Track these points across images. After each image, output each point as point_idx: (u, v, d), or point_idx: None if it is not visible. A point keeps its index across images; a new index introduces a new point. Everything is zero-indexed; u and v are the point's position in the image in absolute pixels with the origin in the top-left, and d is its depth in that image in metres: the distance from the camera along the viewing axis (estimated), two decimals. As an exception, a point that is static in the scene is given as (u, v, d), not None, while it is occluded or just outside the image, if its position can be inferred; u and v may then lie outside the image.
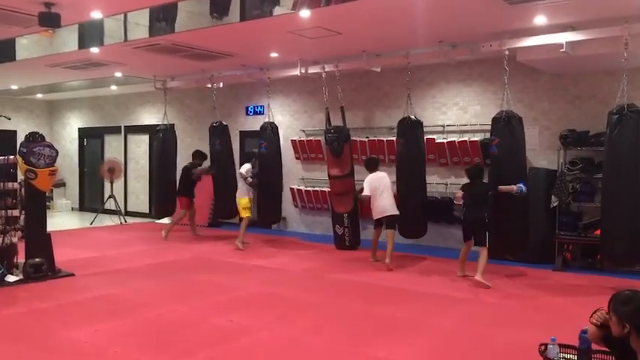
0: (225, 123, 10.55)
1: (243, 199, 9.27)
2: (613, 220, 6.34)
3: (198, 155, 10.59)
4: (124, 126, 14.30)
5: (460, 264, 7.10)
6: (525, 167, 7.45)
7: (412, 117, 8.37)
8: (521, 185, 6.67)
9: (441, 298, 6.14)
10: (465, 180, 7.22)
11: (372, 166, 8.08)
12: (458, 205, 7.22)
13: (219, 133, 10.38)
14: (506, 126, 7.06)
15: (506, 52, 7.22)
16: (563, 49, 6.73)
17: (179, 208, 10.54)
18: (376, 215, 7.88)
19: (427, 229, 8.53)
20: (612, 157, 6.36)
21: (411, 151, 8.31)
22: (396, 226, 7.97)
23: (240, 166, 9.65)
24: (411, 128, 8.36)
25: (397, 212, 7.83)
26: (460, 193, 6.99)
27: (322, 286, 6.78)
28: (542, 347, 3.39)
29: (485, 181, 7.12)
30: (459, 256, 7.15)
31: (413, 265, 7.98)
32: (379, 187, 7.81)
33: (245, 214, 9.25)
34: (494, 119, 7.23)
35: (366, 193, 7.90)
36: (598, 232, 6.91)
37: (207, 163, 10.57)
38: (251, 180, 9.26)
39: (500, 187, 6.74)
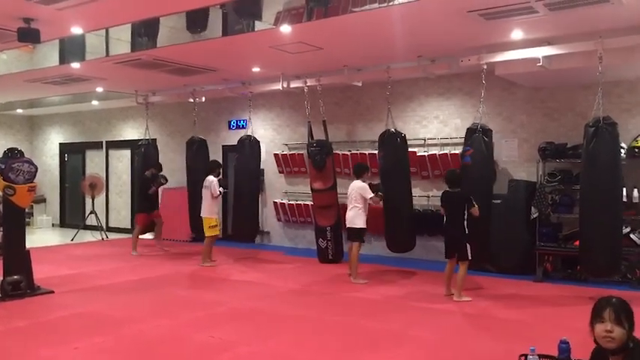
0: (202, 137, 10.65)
1: (208, 219, 8.83)
2: (591, 231, 6.42)
3: (157, 166, 10.49)
4: (106, 141, 14.21)
5: (445, 283, 6.81)
6: (491, 181, 7.49)
7: (392, 130, 8.43)
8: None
9: (423, 310, 6.16)
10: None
11: (355, 173, 7.91)
12: None
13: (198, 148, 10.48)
14: (481, 137, 7.14)
15: (485, 67, 7.33)
16: (540, 64, 6.85)
17: (137, 224, 10.24)
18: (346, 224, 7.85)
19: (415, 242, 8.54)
20: (589, 169, 6.47)
21: (393, 163, 8.33)
22: (360, 240, 7.68)
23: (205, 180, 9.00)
24: (391, 141, 8.41)
25: (357, 225, 7.60)
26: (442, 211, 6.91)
27: (305, 300, 6.76)
28: (522, 358, 3.42)
29: (461, 190, 6.80)
30: (441, 269, 7.10)
31: (395, 277, 7.98)
32: (349, 196, 7.76)
33: (212, 232, 8.84)
34: (468, 130, 7.32)
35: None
36: (577, 242, 6.99)
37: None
38: (220, 192, 8.90)
39: (473, 210, 6.55)
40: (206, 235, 8.90)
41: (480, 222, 6.72)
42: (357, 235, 7.68)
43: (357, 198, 7.63)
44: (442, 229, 7.06)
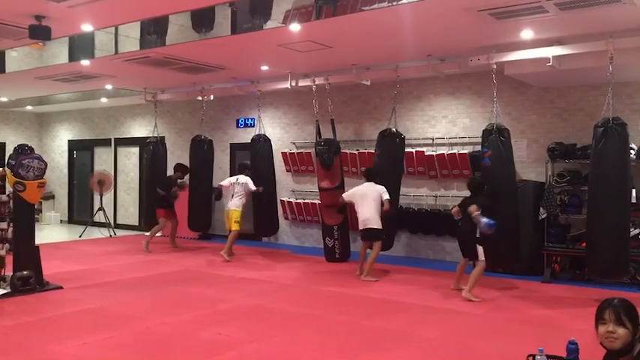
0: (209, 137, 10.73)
1: (237, 212, 9.26)
2: (599, 232, 6.38)
3: (179, 168, 10.54)
4: (114, 138, 14.28)
5: (455, 277, 6.95)
6: (515, 180, 7.48)
7: (393, 129, 8.41)
8: (488, 221, 6.31)
9: (429, 310, 6.15)
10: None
11: (367, 176, 7.95)
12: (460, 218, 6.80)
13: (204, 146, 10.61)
14: (497, 138, 7.10)
15: (494, 66, 7.30)
16: (550, 63, 6.81)
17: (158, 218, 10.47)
18: (360, 226, 7.85)
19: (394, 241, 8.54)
20: (598, 170, 6.43)
21: (390, 163, 8.36)
22: (380, 240, 7.75)
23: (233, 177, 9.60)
24: (391, 140, 8.43)
25: (378, 226, 7.64)
26: (456, 209, 6.80)
27: (311, 298, 6.77)
28: (530, 358, 3.41)
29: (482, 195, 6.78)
30: (448, 268, 7.14)
31: (402, 277, 7.97)
32: (362, 196, 7.73)
33: (236, 226, 9.25)
34: (484, 131, 7.29)
35: (343, 197, 8.05)
36: (585, 244, 6.95)
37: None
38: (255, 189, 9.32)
39: (472, 209, 6.44)
40: (233, 229, 9.24)
41: (509, 222, 6.70)
42: (378, 235, 7.71)
43: (377, 200, 7.63)
44: (455, 230, 7.06)
